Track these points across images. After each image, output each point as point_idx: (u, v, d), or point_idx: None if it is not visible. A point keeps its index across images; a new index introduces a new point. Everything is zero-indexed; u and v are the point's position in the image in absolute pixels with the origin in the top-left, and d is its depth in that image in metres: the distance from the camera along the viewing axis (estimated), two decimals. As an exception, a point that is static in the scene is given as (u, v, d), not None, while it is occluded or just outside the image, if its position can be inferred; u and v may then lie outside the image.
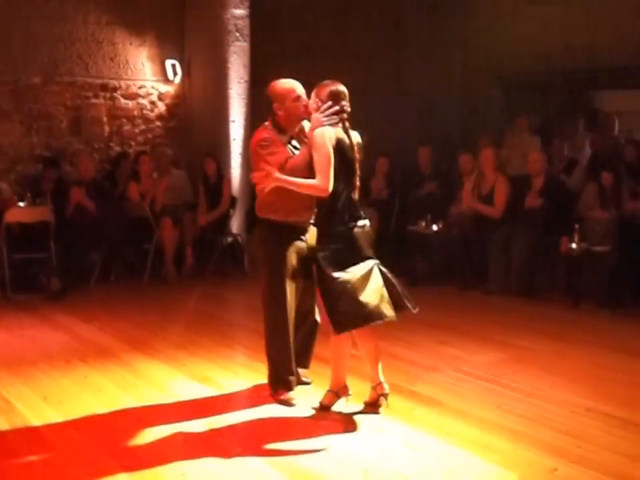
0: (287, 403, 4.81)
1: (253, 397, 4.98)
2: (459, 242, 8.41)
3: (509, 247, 8.13)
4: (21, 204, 8.37)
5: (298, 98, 4.75)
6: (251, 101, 9.91)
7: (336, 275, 4.41)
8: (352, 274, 4.43)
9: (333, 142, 4.44)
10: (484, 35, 11.95)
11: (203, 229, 9.22)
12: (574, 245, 7.50)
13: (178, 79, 10.33)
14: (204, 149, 9.70)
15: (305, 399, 4.84)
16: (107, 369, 5.57)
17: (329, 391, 4.74)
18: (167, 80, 10.30)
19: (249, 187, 9.90)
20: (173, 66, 10.27)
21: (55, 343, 6.33)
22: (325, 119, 4.50)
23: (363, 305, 4.41)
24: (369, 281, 4.47)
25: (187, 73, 10.35)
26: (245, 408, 4.79)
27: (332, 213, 4.50)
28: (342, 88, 4.62)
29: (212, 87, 10.02)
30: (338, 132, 4.50)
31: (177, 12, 10.32)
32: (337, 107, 4.52)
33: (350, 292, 4.40)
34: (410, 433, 4.35)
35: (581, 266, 7.70)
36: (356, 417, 4.59)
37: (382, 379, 4.68)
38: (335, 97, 4.55)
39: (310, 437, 4.30)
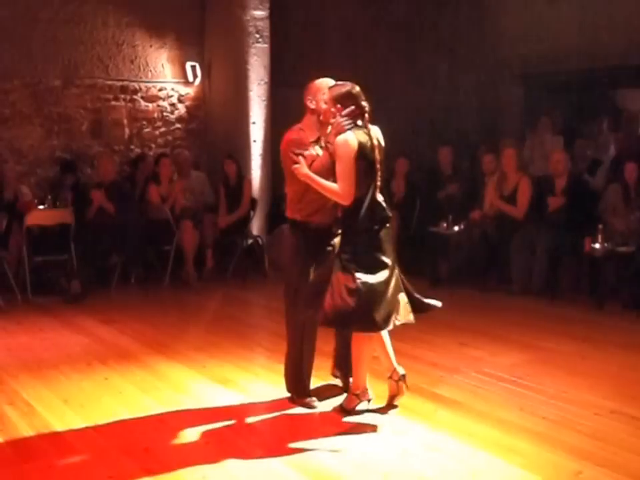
0: (309, 406, 4.82)
1: (273, 399, 4.98)
2: (481, 243, 8.37)
3: (532, 247, 8.09)
4: (42, 207, 8.41)
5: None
6: (272, 103, 9.93)
7: (359, 276, 4.40)
8: (376, 277, 4.43)
9: (356, 147, 4.42)
10: (505, 33, 11.91)
11: (223, 231, 9.23)
12: (597, 246, 7.45)
13: (198, 81, 10.36)
14: (224, 151, 9.71)
15: (326, 400, 4.84)
16: (128, 371, 5.59)
17: (350, 393, 4.73)
18: (187, 82, 10.34)
19: (270, 189, 9.95)
20: (193, 68, 10.31)
21: (75, 345, 6.36)
22: (347, 123, 4.48)
23: (385, 308, 4.44)
24: (391, 284, 4.49)
25: (207, 75, 10.38)
26: (266, 410, 4.79)
27: (356, 214, 4.48)
28: (357, 88, 4.60)
29: (232, 89, 10.04)
30: (359, 135, 4.47)
31: (196, 14, 10.36)
32: (353, 108, 4.51)
33: (374, 295, 4.41)
34: (431, 435, 4.34)
35: (604, 267, 7.65)
36: (377, 418, 4.58)
37: (395, 364, 4.73)
38: (353, 98, 4.54)
39: (330, 437, 4.29)
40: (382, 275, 4.46)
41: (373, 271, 4.45)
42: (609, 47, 10.84)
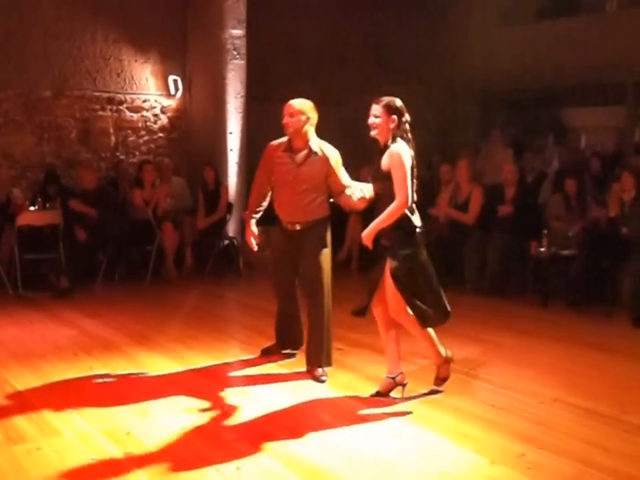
0: (319, 380, 5.11)
1: (246, 386, 4.99)
2: (436, 246, 8.41)
3: (483, 250, 8.16)
4: (32, 208, 8.33)
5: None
6: (247, 115, 9.92)
7: (418, 273, 4.54)
8: (429, 273, 4.60)
9: (409, 157, 4.50)
10: (461, 54, 12.00)
11: (202, 233, 9.22)
12: (543, 249, 7.55)
13: (179, 94, 10.32)
14: (203, 159, 9.70)
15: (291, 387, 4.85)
16: (111, 361, 5.55)
17: (387, 378, 4.82)
18: (169, 94, 10.29)
19: (245, 194, 9.93)
20: (175, 81, 10.26)
21: (62, 337, 6.31)
22: (397, 133, 4.55)
23: (444, 302, 4.65)
24: (435, 280, 4.65)
25: (187, 88, 10.34)
26: (240, 397, 4.79)
27: (409, 217, 4.52)
28: (399, 102, 4.61)
29: (211, 101, 10.01)
30: (407, 146, 4.54)
31: (179, 31, 10.32)
32: (403, 120, 4.57)
33: (433, 290, 4.59)
34: (390, 420, 4.36)
35: (549, 268, 7.74)
36: (339, 405, 4.60)
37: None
38: (401, 111, 4.57)
39: (295, 422, 4.31)
40: (432, 271, 4.65)
41: (424, 267, 4.61)
42: (556, 69, 10.99)
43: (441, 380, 4.82)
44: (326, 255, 5.26)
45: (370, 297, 4.70)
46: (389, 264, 4.52)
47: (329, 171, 5.17)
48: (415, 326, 4.62)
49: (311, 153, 5.16)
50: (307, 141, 5.16)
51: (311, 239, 5.22)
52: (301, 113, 5.11)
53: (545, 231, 7.58)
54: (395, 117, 4.52)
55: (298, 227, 5.24)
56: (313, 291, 5.25)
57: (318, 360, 5.22)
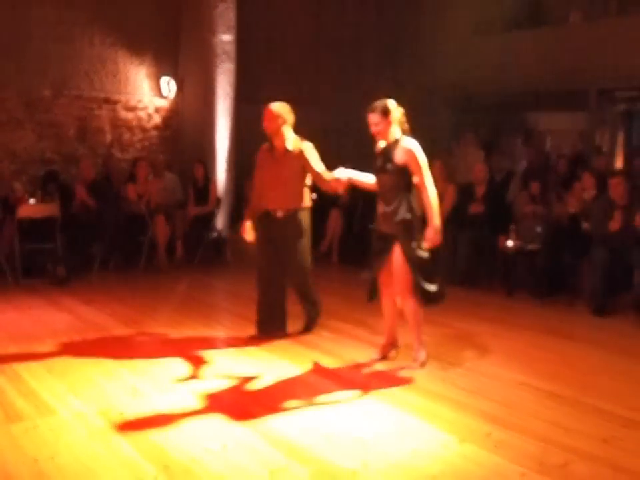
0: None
1: (231, 369, 4.96)
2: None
3: (454, 245, 8.16)
4: (32, 201, 8.25)
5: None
6: (235, 115, 9.88)
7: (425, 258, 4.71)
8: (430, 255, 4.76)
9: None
10: (435, 61, 12.00)
11: (192, 225, 9.17)
12: (509, 243, 7.56)
13: (172, 94, 10.26)
14: (193, 156, 9.66)
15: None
16: (105, 345, 5.51)
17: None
18: (162, 95, 10.23)
19: (232, 190, 9.91)
20: (168, 83, 10.20)
21: (59, 322, 6.26)
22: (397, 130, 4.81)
23: (443, 282, 4.90)
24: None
25: (180, 89, 10.28)
26: (225, 378, 4.77)
27: (413, 205, 4.71)
28: (390, 101, 4.81)
29: (202, 102, 9.96)
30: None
31: (172, 36, 10.26)
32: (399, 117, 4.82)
33: (436, 270, 4.82)
34: (365, 401, 4.36)
35: (515, 261, 7.76)
36: (316, 387, 4.58)
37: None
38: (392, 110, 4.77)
39: (278, 402, 4.29)
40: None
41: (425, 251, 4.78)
42: (523, 75, 11.03)
43: (421, 364, 4.95)
44: (305, 242, 5.57)
45: (375, 279, 4.91)
46: (402, 248, 4.68)
47: (304, 163, 5.46)
48: (416, 308, 4.83)
49: (287, 150, 5.47)
50: (284, 140, 5.45)
51: (292, 226, 5.49)
52: (278, 116, 5.41)
53: (512, 226, 7.59)
54: (390, 116, 4.74)
55: (280, 214, 5.49)
56: (297, 272, 5.61)
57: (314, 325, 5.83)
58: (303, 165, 5.46)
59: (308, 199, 5.61)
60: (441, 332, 6.04)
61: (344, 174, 5.12)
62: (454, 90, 11.99)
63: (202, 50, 9.88)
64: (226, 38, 9.77)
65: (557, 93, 11.31)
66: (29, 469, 3.39)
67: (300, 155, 5.46)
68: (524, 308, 7.12)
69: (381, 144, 4.89)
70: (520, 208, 8.16)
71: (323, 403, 4.34)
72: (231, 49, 9.81)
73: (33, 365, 4.96)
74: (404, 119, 4.83)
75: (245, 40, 10.07)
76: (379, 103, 4.75)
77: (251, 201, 5.85)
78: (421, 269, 4.72)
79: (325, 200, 9.72)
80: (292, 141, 5.48)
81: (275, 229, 5.53)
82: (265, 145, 5.64)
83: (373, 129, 4.77)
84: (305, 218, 5.57)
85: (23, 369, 4.87)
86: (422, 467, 3.48)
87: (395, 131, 4.80)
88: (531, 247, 7.58)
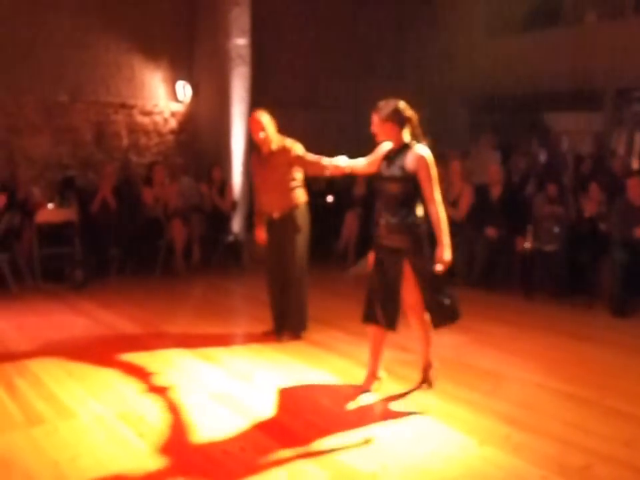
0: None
1: (249, 372, 4.98)
2: (428, 242, 8.39)
3: (473, 246, 8.14)
4: (50, 206, 8.32)
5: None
6: (251, 118, 9.92)
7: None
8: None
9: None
10: (451, 63, 12.00)
11: (208, 228, 9.21)
12: (527, 244, 7.54)
13: (187, 99, 10.31)
14: (209, 159, 9.71)
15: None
16: (123, 348, 5.53)
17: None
18: (177, 99, 10.28)
19: (248, 193, 9.93)
20: (183, 87, 10.26)
21: (78, 325, 6.30)
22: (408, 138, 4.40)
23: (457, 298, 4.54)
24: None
25: (195, 94, 10.33)
26: (241, 380, 4.78)
27: (421, 215, 4.37)
28: (399, 103, 4.39)
29: (217, 106, 10.00)
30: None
31: (187, 41, 10.32)
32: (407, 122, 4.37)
33: (448, 284, 4.49)
34: (384, 403, 4.36)
35: (533, 262, 7.73)
36: (336, 389, 4.59)
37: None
38: (399, 115, 4.35)
39: (296, 405, 4.30)
40: None
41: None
42: (539, 76, 11.00)
43: (429, 383, 4.65)
44: (300, 240, 5.68)
45: (397, 306, 4.42)
46: (411, 263, 4.34)
47: (294, 158, 5.58)
48: (428, 325, 4.52)
49: (271, 152, 5.65)
50: (270, 145, 5.65)
51: (287, 226, 5.65)
52: (264, 128, 5.62)
53: (530, 228, 7.57)
54: (390, 123, 4.34)
55: (276, 215, 5.68)
56: (285, 271, 5.70)
57: (290, 327, 5.80)
58: (290, 161, 5.59)
59: (302, 194, 5.74)
60: (459, 334, 6.01)
61: (344, 162, 4.91)
62: (471, 91, 11.98)
63: (217, 54, 9.92)
64: (240, 42, 9.80)
65: (574, 93, 11.27)
66: (50, 472, 3.42)
67: (285, 153, 5.60)
68: (542, 309, 7.09)
69: (385, 146, 4.50)
70: (537, 209, 8.13)
71: (340, 405, 4.35)
72: (245, 52, 9.84)
73: (53, 369, 5.00)
74: (416, 124, 4.41)
75: (259, 43, 10.10)
76: (384, 105, 4.37)
77: (256, 207, 6.06)
78: (432, 284, 4.36)
79: (341, 202, 9.79)
80: (276, 143, 5.66)
81: (274, 230, 5.74)
82: (255, 152, 5.89)
83: (373, 129, 4.46)
84: (301, 215, 5.71)
85: (43, 372, 4.92)
86: (441, 470, 3.47)
87: (405, 136, 4.38)
88: (548, 248, 7.55)
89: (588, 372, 5.08)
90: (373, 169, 4.59)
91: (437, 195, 4.28)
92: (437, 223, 4.27)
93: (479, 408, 4.28)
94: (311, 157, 5.56)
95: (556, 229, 7.66)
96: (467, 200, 8.34)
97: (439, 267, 4.26)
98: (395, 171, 4.35)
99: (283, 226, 5.68)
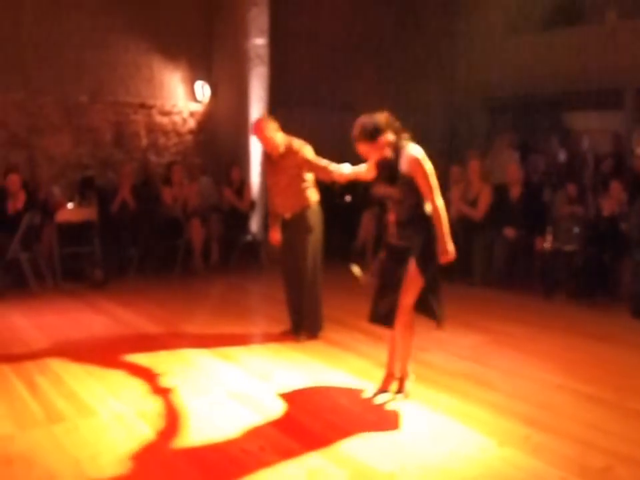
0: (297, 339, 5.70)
1: (267, 371, 4.99)
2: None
3: (491, 246, 8.12)
4: (70, 205, 8.39)
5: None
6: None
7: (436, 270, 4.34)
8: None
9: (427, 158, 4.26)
10: (469, 62, 11.96)
11: (227, 228, 9.24)
12: (547, 244, 7.50)
13: (206, 99, 10.35)
14: (228, 159, 9.74)
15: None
16: (143, 347, 5.56)
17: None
18: (196, 99, 10.33)
19: (266, 193, 9.95)
20: (202, 87, 10.30)
21: (97, 324, 6.35)
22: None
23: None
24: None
25: (214, 94, 10.37)
26: (259, 379, 4.80)
27: (428, 217, 4.28)
28: (376, 118, 4.25)
29: (235, 106, 10.03)
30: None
31: (205, 41, 10.36)
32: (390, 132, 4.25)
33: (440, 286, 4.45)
34: (403, 403, 4.34)
35: (552, 262, 7.68)
36: (354, 388, 4.59)
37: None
38: (377, 131, 4.22)
39: (314, 404, 4.30)
40: None
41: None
42: (559, 75, 10.93)
43: (406, 393, 4.47)
44: (312, 239, 5.68)
45: (396, 303, 4.32)
46: (417, 263, 4.26)
47: (302, 160, 5.59)
48: (410, 329, 4.45)
49: (280, 155, 5.66)
50: (276, 146, 5.66)
51: (298, 226, 5.67)
52: (269, 137, 5.63)
53: (550, 228, 7.52)
54: (375, 142, 4.21)
55: (288, 215, 5.72)
56: (298, 271, 5.71)
57: (306, 327, 5.81)
58: (300, 164, 5.59)
59: (313, 194, 5.73)
60: (478, 334, 6.01)
61: (348, 169, 4.97)
62: (491, 90, 11.93)
63: (235, 54, 9.95)
64: (259, 42, 9.83)
65: (594, 92, 11.18)
66: (71, 469, 3.45)
67: (293, 155, 5.61)
68: (562, 310, 7.04)
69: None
70: (557, 209, 8.09)
71: (359, 406, 4.34)
72: (264, 52, 9.87)
73: (73, 367, 5.04)
74: (396, 124, 4.28)
75: (278, 43, 10.12)
76: (361, 129, 4.21)
77: (269, 208, 6.12)
78: (431, 285, 4.33)
79: (358, 202, 9.78)
80: (283, 144, 5.66)
81: (287, 231, 5.78)
82: (265, 156, 5.94)
83: (366, 157, 4.34)
84: (313, 215, 5.70)
85: (63, 370, 4.96)
86: (460, 470, 3.46)
87: (391, 140, 4.25)
88: (568, 248, 7.51)
89: (608, 373, 5.04)
90: (374, 174, 4.51)
91: (435, 193, 4.21)
92: (437, 217, 4.21)
93: (498, 408, 4.27)
94: (319, 161, 5.57)
95: (575, 229, 7.62)
96: (486, 200, 8.31)
97: (443, 259, 4.23)
98: (393, 176, 4.28)
99: (295, 226, 5.69)
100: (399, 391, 4.49)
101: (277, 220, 5.89)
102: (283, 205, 5.75)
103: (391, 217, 4.42)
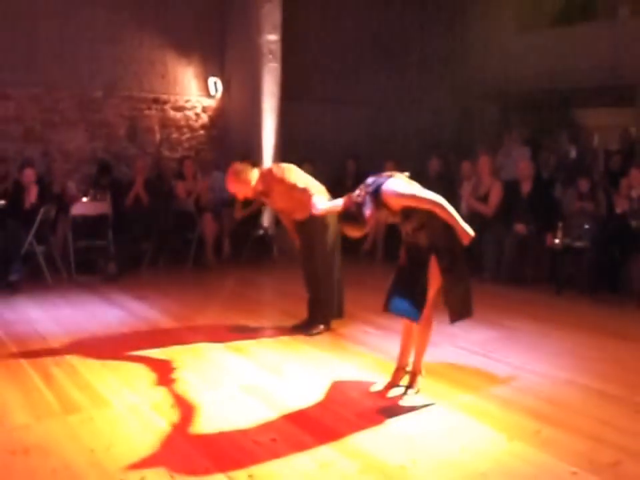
0: (318, 333, 5.68)
1: (278, 364, 5.00)
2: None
3: (501, 241, 8.10)
4: (85, 199, 8.43)
5: None
6: (281, 114, 9.94)
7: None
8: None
9: (405, 183, 4.23)
10: (480, 58, 11.92)
11: (239, 223, 9.25)
12: (557, 241, 7.47)
13: (219, 94, 10.37)
14: (240, 154, 9.72)
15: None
16: (156, 340, 5.59)
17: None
18: (209, 95, 10.35)
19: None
20: (215, 83, 10.32)
21: (112, 317, 6.37)
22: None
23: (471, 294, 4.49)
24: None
25: (226, 89, 10.39)
26: (269, 371, 4.81)
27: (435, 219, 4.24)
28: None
29: (248, 101, 10.04)
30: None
31: (218, 37, 10.38)
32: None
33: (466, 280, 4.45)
34: (414, 398, 4.35)
35: (563, 258, 7.66)
36: (366, 383, 4.60)
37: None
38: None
39: (326, 398, 4.31)
40: None
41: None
42: (571, 71, 10.88)
43: (417, 389, 4.45)
44: (326, 236, 5.64)
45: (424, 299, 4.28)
46: (438, 261, 4.25)
47: (289, 186, 5.50)
48: (430, 324, 4.45)
49: (263, 190, 5.60)
50: (254, 190, 5.58)
51: (313, 225, 5.60)
52: (242, 187, 5.53)
53: (560, 223, 7.49)
54: (375, 206, 4.14)
55: (300, 218, 5.68)
56: (306, 266, 5.77)
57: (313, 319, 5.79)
58: (288, 188, 5.50)
59: (319, 200, 5.37)
60: (488, 329, 6.00)
61: (320, 205, 5.03)
62: (501, 86, 11.88)
63: (248, 50, 9.95)
64: (272, 37, 9.82)
65: (605, 88, 11.12)
66: (86, 459, 3.47)
67: (279, 183, 5.51)
68: (572, 306, 7.02)
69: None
70: (568, 205, 8.05)
71: (371, 400, 4.35)
72: (276, 48, 9.86)
73: (88, 359, 5.06)
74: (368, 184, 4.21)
75: (290, 39, 10.11)
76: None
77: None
78: (452, 279, 4.31)
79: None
80: (258, 181, 5.53)
81: (302, 228, 5.74)
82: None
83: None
84: (321, 218, 5.49)
85: (78, 362, 4.99)
86: (470, 464, 3.46)
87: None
88: (579, 244, 7.48)
89: (618, 369, 5.02)
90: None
91: (425, 194, 4.16)
92: (447, 217, 4.14)
93: (508, 403, 4.26)
94: (305, 190, 5.43)
95: (586, 226, 7.59)
96: (496, 196, 8.29)
97: (466, 241, 4.15)
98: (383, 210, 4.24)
99: (308, 224, 5.63)
100: (410, 385, 4.48)
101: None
102: (291, 215, 5.76)
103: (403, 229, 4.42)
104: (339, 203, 4.51)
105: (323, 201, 5.18)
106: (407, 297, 4.31)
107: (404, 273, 4.42)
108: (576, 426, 3.92)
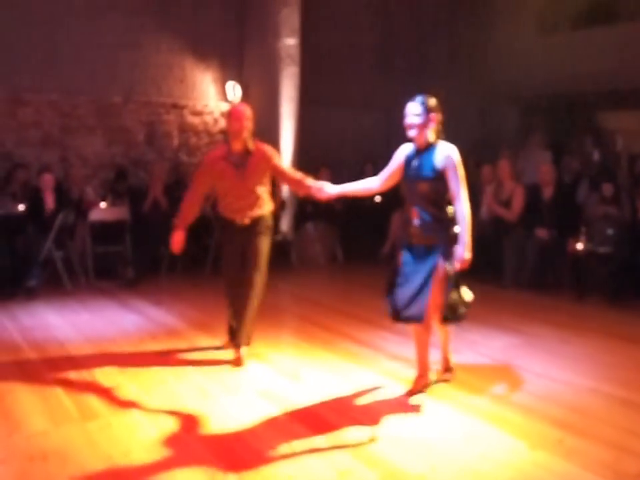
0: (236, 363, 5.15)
1: (296, 370, 5.00)
2: (478, 242, 8.30)
3: (522, 246, 8.04)
4: (103, 205, 8.49)
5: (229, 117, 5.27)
6: (300, 118, 9.95)
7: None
8: None
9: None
10: (501, 62, 11.88)
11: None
12: (580, 246, 7.41)
13: (237, 99, 10.40)
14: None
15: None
16: (174, 346, 5.62)
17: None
18: (227, 99, 10.38)
19: (291, 193, 9.99)
20: (233, 87, 10.35)
21: (130, 323, 6.42)
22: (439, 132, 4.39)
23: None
24: None
25: (245, 94, 10.41)
26: (287, 377, 4.81)
27: (452, 219, 4.32)
28: (434, 100, 4.39)
29: (266, 105, 10.05)
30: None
31: (237, 41, 10.42)
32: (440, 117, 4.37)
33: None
34: (433, 405, 4.33)
35: (585, 264, 7.59)
36: (385, 390, 4.58)
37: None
38: (436, 109, 4.37)
39: (345, 406, 4.31)
40: None
41: None
42: (592, 74, 10.81)
43: (419, 391, 4.50)
44: (267, 244, 5.34)
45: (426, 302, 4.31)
46: (442, 265, 4.27)
47: (274, 167, 5.27)
48: (431, 329, 4.47)
49: (248, 152, 5.20)
50: (245, 143, 5.20)
51: (257, 230, 5.26)
52: (250, 119, 5.22)
53: (583, 229, 7.44)
54: (433, 114, 4.32)
55: (247, 221, 5.25)
56: (249, 276, 5.26)
57: (241, 341, 5.24)
58: (271, 167, 5.26)
59: (269, 202, 5.37)
60: (509, 336, 5.96)
61: (333, 189, 4.82)
62: (522, 89, 11.83)
63: (266, 54, 9.98)
64: (290, 42, 9.85)
65: (628, 91, 11.03)
66: (104, 465, 3.49)
67: (267, 160, 5.24)
68: (595, 312, 6.96)
69: (407, 148, 4.47)
70: (591, 210, 7.99)
71: (390, 407, 4.33)
72: (295, 52, 9.89)
73: (106, 364, 5.10)
74: (440, 126, 4.38)
75: (309, 43, 10.14)
76: (424, 96, 4.37)
77: (185, 214, 5.62)
78: (454, 282, 4.34)
79: (388, 202, 9.75)
80: (251, 144, 5.25)
81: (241, 235, 5.27)
82: (216, 156, 5.30)
83: (410, 120, 4.30)
84: (268, 221, 5.34)
85: (96, 368, 5.02)
86: (491, 473, 3.44)
87: (430, 134, 4.35)
88: (602, 249, 7.41)
89: (643, 377, 4.97)
90: (393, 182, 4.54)
91: (464, 194, 4.24)
92: (462, 220, 4.23)
93: (530, 411, 4.23)
94: (294, 173, 5.31)
95: (609, 231, 7.51)
96: (519, 200, 8.23)
97: (457, 265, 4.23)
98: (424, 170, 4.31)
99: (252, 231, 5.25)
100: (446, 369, 4.75)
101: (187, 222, 5.57)
102: (242, 209, 5.24)
103: (412, 217, 4.39)
104: (372, 182, 4.65)
105: (335, 187, 4.86)
106: (412, 300, 4.33)
107: (404, 274, 4.42)
108: (600, 435, 3.88)
